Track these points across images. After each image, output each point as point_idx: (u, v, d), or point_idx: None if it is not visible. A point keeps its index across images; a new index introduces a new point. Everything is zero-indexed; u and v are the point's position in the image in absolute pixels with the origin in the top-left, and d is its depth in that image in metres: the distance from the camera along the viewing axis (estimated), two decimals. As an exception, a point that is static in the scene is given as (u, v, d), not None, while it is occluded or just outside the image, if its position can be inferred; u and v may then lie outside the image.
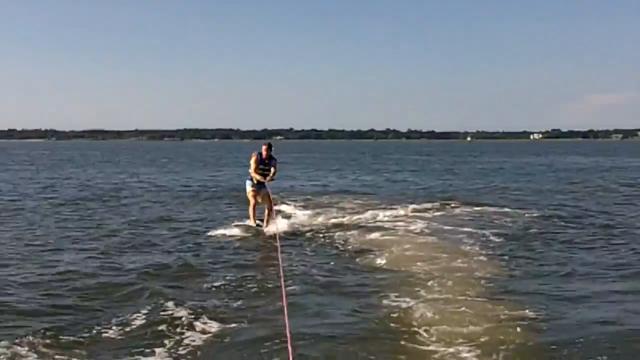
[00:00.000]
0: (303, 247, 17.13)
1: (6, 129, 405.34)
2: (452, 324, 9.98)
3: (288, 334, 7.19)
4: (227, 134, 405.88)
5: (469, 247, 16.85)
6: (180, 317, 10.23)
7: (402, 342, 9.31)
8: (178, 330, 9.73)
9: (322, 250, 16.83)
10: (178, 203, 28.52)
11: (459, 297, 11.56)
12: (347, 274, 13.89)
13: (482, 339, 9.29)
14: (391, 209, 24.60)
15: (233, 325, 9.97)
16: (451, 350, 8.93)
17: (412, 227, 20.23)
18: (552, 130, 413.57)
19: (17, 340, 9.10)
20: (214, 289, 12.35)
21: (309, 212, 24.18)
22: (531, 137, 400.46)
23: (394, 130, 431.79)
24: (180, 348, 9.06)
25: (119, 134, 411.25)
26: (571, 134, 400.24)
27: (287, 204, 27.08)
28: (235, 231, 19.29)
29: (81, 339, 9.32)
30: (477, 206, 26.01)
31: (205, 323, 10.01)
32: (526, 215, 23.27)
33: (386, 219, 22.16)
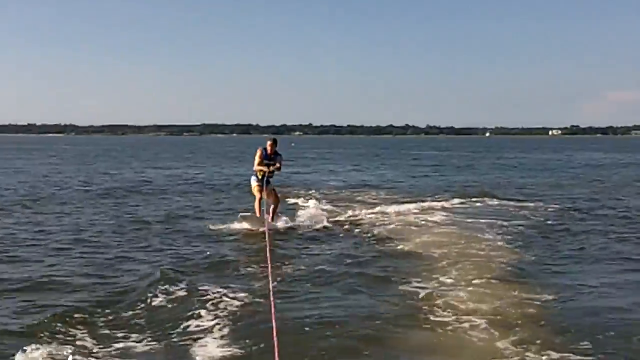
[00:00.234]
0: (321, 238, 17.86)
1: (25, 124, 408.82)
2: (470, 303, 10.81)
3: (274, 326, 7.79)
4: (245, 129, 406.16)
5: (488, 236, 17.67)
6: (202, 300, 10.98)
7: (423, 320, 10.14)
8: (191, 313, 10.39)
9: (344, 239, 17.68)
10: (202, 195, 29.62)
11: (478, 280, 12.34)
12: (369, 260, 14.72)
13: (498, 317, 10.08)
14: (412, 202, 25.27)
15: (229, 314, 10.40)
16: (468, 326, 9.74)
17: (432, 219, 21.01)
18: (571, 126, 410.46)
19: (62, 311, 10.25)
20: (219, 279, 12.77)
21: (329, 205, 24.94)
22: (550, 133, 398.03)
23: (413, 126, 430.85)
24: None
25: (138, 129, 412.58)
26: (590, 130, 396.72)
27: (308, 197, 27.84)
28: (243, 225, 19.21)
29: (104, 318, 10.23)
30: (496, 199, 26.67)
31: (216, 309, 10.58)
32: (544, 208, 23.89)
33: (407, 211, 22.86)
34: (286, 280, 12.72)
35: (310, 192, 30.56)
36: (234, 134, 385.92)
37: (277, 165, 19.65)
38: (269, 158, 19.66)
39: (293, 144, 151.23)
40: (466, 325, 9.79)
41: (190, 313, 10.34)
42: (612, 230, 19.07)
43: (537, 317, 10.20)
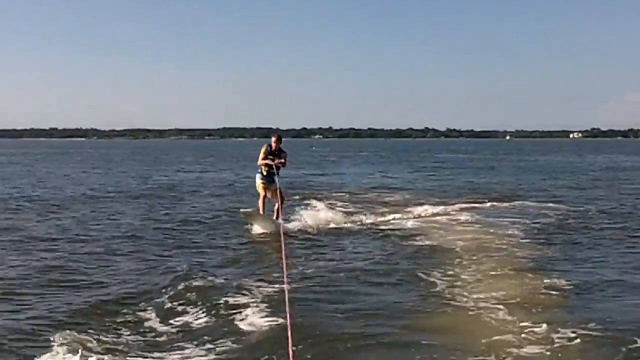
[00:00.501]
0: (343, 236, 18.51)
1: (47, 128, 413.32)
2: (489, 290, 11.71)
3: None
4: (266, 132, 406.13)
5: (510, 232, 18.66)
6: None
7: (445, 306, 10.94)
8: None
9: (368, 238, 18.39)
10: (225, 196, 30.55)
11: (499, 271, 13.31)
12: (392, 255, 15.53)
13: (517, 304, 10.91)
14: (435, 204, 25.89)
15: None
16: (488, 311, 10.56)
17: (455, 218, 21.87)
18: (591, 129, 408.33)
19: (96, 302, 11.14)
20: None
21: (353, 206, 25.62)
22: (570, 136, 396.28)
23: (433, 129, 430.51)
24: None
25: (159, 133, 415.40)
26: (611, 132, 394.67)
27: (330, 199, 28.39)
28: (255, 229, 19.13)
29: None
30: (518, 201, 27.28)
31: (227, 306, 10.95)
32: (566, 209, 24.42)
33: (431, 212, 23.47)
34: (310, 275, 13.27)
35: (332, 193, 31.30)
36: (255, 138, 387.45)
37: (282, 160, 19.57)
38: (274, 154, 19.58)
39: (314, 147, 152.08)
40: (488, 311, 10.57)
41: (199, 311, 10.75)
42: (633, 232, 19.27)
43: (553, 303, 11.07)
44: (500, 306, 10.74)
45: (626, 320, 10.05)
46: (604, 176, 46.16)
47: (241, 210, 19.87)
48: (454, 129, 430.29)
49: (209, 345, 9.11)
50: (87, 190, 33.16)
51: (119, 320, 10.20)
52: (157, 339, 9.46)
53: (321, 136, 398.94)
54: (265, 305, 10.80)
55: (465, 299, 11.29)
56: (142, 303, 11.12)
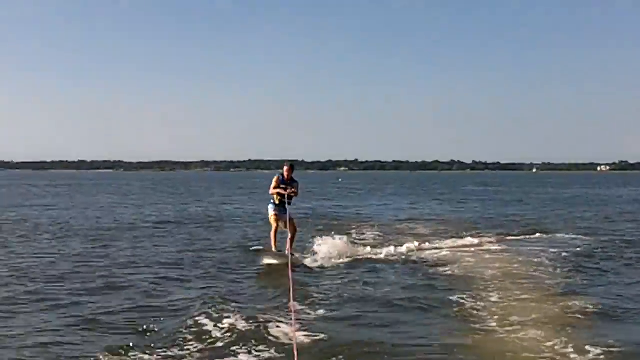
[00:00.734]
0: (370, 268, 18.56)
1: (76, 160, 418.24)
2: (518, 314, 12.31)
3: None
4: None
5: (537, 260, 19.31)
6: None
7: (475, 329, 11.49)
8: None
9: (397, 267, 18.76)
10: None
11: (528, 296, 13.97)
12: (420, 283, 16.04)
13: (546, 326, 11.47)
14: (463, 235, 26.36)
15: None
16: (518, 333, 11.12)
17: (486, 248, 22.44)
18: (619, 162, 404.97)
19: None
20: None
21: (383, 237, 26.36)
22: (598, 169, 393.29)
23: (459, 162, 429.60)
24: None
25: (185, 165, 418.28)
26: (639, 166, 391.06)
27: (362, 230, 29.18)
28: (264, 261, 18.98)
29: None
30: (546, 232, 27.70)
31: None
32: (594, 239, 24.84)
33: (459, 243, 24.04)
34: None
35: (361, 224, 32.01)
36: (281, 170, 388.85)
37: (294, 190, 19.29)
38: (286, 183, 19.29)
39: (340, 179, 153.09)
40: (517, 334, 11.12)
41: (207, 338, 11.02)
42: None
43: (585, 326, 11.61)
44: (530, 328, 11.29)
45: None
46: (631, 209, 46.33)
47: (251, 249, 20.28)
48: (480, 162, 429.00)
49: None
50: (139, 220, 34.21)
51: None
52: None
53: (347, 168, 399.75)
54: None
55: (493, 322, 11.86)
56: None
